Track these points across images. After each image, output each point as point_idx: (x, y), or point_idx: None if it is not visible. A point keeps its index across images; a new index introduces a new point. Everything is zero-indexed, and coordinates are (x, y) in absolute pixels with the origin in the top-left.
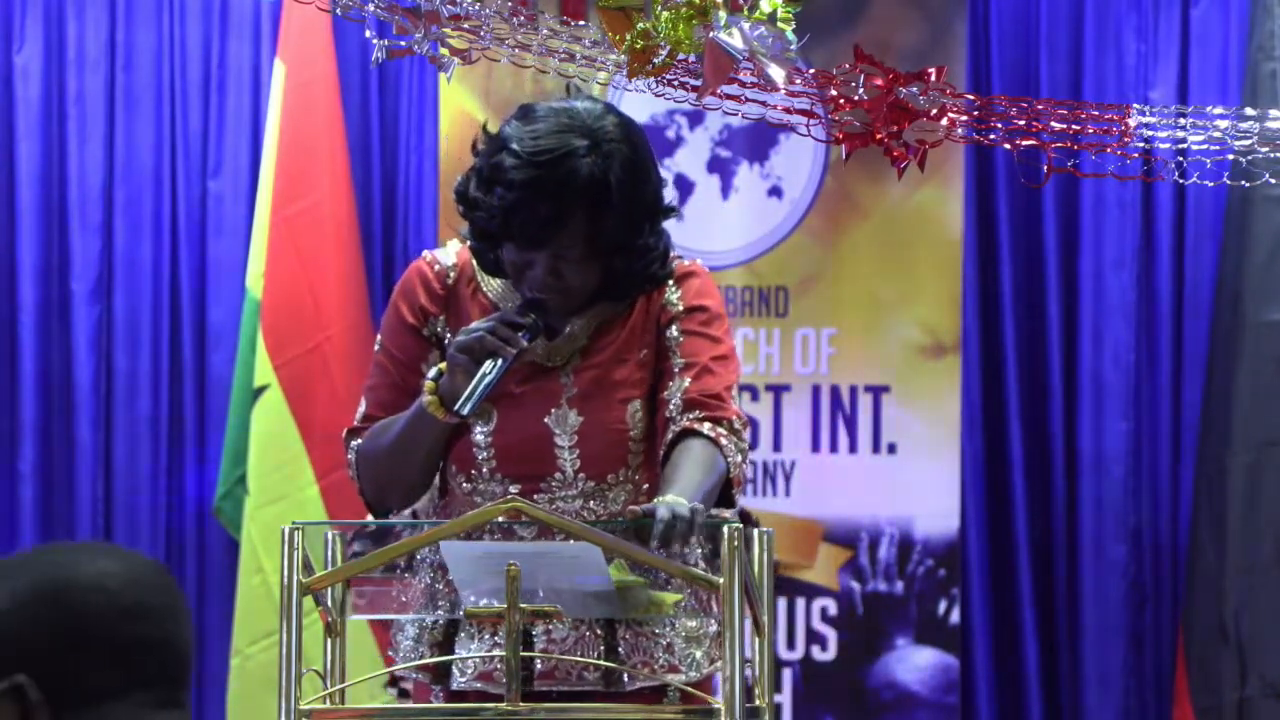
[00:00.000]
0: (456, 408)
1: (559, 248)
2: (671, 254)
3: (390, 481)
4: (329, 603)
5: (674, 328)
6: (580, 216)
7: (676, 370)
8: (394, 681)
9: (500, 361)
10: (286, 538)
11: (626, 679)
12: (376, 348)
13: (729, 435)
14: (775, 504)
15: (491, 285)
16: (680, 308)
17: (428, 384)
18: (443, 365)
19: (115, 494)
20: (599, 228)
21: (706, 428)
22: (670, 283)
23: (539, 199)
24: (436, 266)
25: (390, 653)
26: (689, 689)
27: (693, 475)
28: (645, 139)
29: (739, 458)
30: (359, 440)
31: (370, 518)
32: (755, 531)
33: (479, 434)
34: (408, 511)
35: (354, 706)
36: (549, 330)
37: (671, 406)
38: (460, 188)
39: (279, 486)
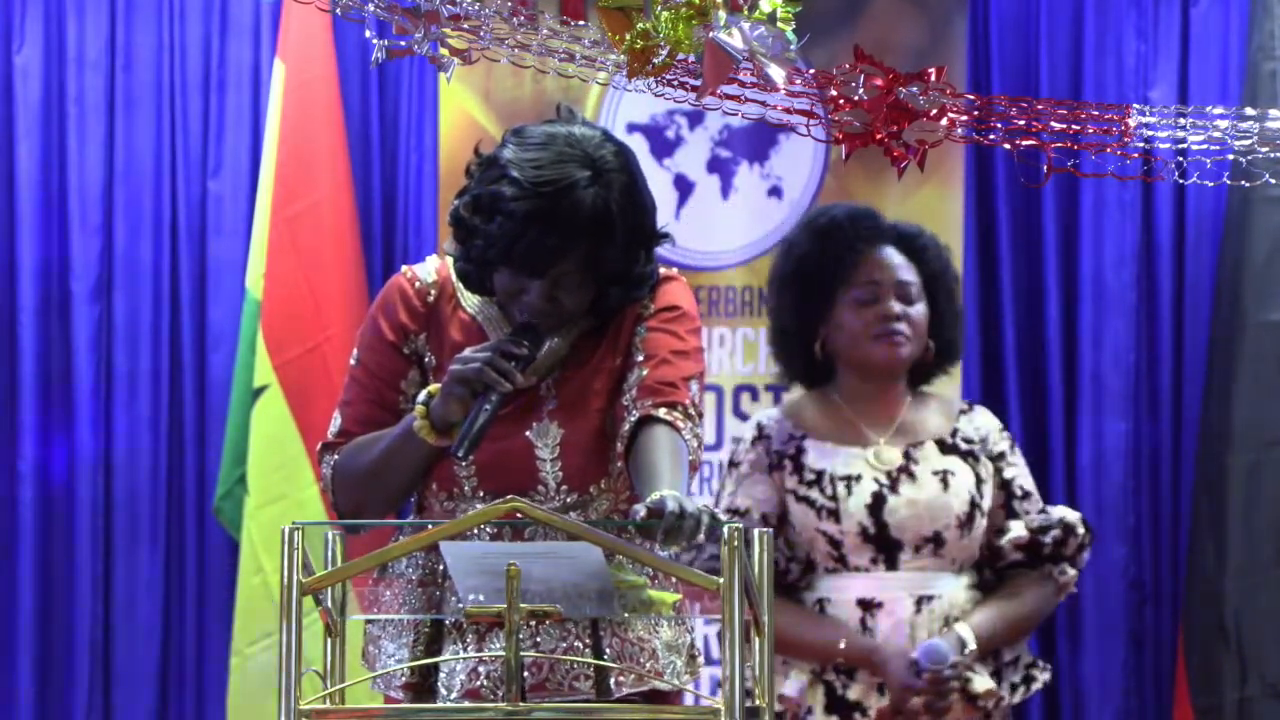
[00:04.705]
0: (455, 451)
1: (558, 275)
2: (655, 266)
3: (369, 498)
4: (329, 603)
5: (641, 327)
6: (582, 246)
7: (636, 363)
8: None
9: (495, 398)
10: (286, 538)
11: (615, 687)
12: (353, 362)
13: (684, 420)
14: None
15: (470, 301)
16: (650, 309)
17: (418, 407)
18: (433, 388)
19: (115, 494)
20: (599, 256)
21: (663, 413)
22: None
23: (543, 230)
24: (417, 284)
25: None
26: (691, 690)
27: (675, 471)
28: (639, 165)
29: (695, 443)
30: (336, 456)
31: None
32: (756, 531)
33: None
34: None
35: (354, 706)
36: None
37: (628, 396)
38: (456, 213)
39: (279, 486)
